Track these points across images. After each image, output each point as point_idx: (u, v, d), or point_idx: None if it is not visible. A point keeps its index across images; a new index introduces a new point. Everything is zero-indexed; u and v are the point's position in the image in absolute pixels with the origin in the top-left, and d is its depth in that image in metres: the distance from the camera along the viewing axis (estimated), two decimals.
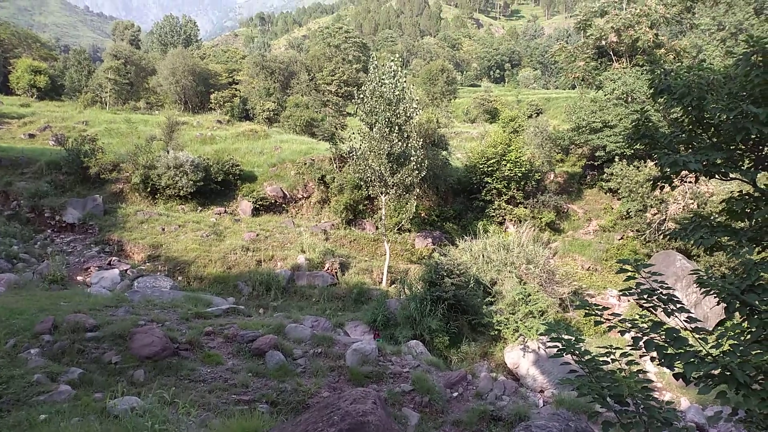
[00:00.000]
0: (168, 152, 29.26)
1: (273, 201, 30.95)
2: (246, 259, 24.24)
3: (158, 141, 32.13)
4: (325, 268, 24.66)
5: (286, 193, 31.70)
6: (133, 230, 25.60)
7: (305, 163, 33.01)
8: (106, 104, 52.63)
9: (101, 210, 26.80)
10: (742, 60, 6.24)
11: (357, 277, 24.52)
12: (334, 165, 32.76)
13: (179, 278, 22.55)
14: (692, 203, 26.60)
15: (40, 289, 16.62)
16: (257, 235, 26.48)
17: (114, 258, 23.32)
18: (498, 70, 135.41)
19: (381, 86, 23.85)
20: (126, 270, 22.08)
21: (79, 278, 21.08)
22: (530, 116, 56.05)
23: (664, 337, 4.85)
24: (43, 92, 55.82)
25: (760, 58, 5.92)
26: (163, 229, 25.91)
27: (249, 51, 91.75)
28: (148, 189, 28.79)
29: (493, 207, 32.69)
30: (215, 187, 29.99)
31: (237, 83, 61.30)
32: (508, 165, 32.23)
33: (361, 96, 24.46)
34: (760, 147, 6.67)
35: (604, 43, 39.37)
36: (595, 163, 36.72)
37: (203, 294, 18.07)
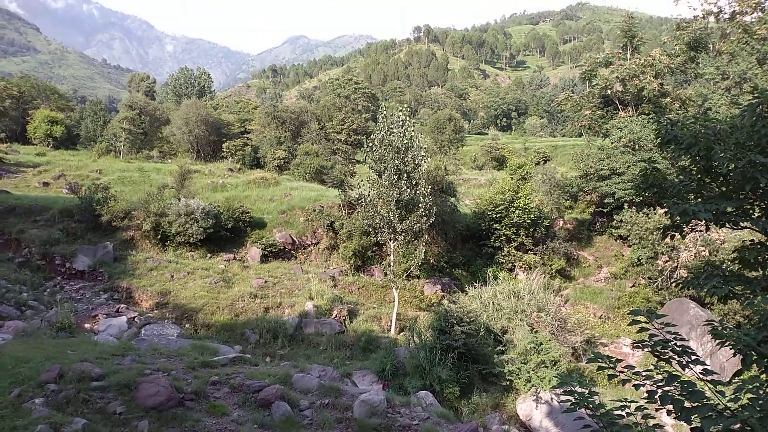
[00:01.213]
0: (179, 200, 29.61)
1: (282, 247, 31.01)
2: (254, 306, 24.11)
3: (170, 189, 32.58)
4: (333, 316, 24.44)
5: (295, 239, 31.79)
6: (142, 277, 25.64)
7: (314, 210, 33.23)
8: (120, 153, 53.73)
9: (111, 257, 26.95)
10: (747, 110, 6.31)
11: (365, 324, 24.25)
12: (343, 211, 32.94)
13: (187, 326, 22.41)
14: (704, 250, 26.34)
15: (48, 337, 16.53)
16: (265, 281, 26.43)
17: (122, 305, 23.28)
18: (505, 119, 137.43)
19: (389, 135, 24.21)
20: (134, 317, 22.00)
21: (87, 326, 20.99)
22: (538, 163, 56.45)
23: (680, 390, 4.73)
24: (58, 141, 57.22)
25: (766, 109, 5.98)
26: (172, 276, 25.92)
27: (261, 101, 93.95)
28: (159, 236, 28.99)
29: (503, 253, 32.53)
30: (225, 234, 30.15)
31: (249, 132, 62.53)
32: (517, 211, 32.25)
33: (370, 144, 24.82)
34: None
35: (609, 92, 39.95)
36: (604, 210, 36.66)
37: (210, 342, 17.90)
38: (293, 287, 26.51)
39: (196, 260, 28.44)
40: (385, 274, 29.53)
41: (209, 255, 29.32)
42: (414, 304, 28.12)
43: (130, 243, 29.09)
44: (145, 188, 33.72)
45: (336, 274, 29.18)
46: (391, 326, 24.44)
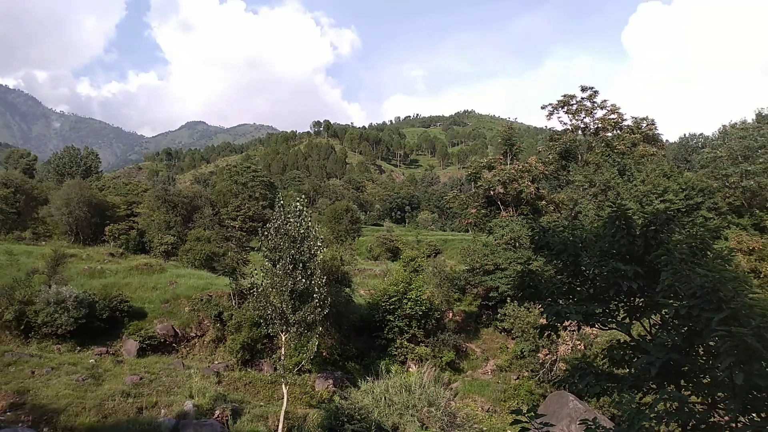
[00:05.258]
0: (50, 287, 27.05)
1: (162, 340, 28.90)
2: (125, 407, 21.82)
3: (40, 275, 29.77)
4: (215, 416, 22.70)
5: (178, 331, 29.85)
6: None
7: (201, 299, 31.66)
8: None
9: None
10: (608, 221, 7.11)
11: (250, 425, 22.71)
12: (233, 301, 31.67)
13: (45, 429, 19.71)
14: (579, 344, 28.07)
15: None
16: (141, 378, 24.24)
17: None
18: (399, 212, 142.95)
19: (286, 224, 24.10)
20: None
21: None
22: (429, 256, 58.42)
23: None
24: None
25: (624, 222, 6.79)
26: (33, 372, 23.07)
27: (152, 184, 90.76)
28: (22, 327, 26.03)
29: (395, 345, 32.59)
30: (99, 324, 27.67)
31: (136, 215, 59.51)
32: (409, 303, 32.82)
33: (266, 233, 24.50)
34: (632, 299, 7.39)
35: (492, 193, 43.24)
36: (490, 303, 38.33)
37: None
38: (172, 384, 24.51)
39: (62, 354, 25.66)
40: (275, 369, 28.26)
41: (79, 348, 26.63)
42: (304, 401, 26.94)
43: None
44: (12, 273, 30.52)
45: (221, 369, 27.49)
46: (278, 426, 23.08)
